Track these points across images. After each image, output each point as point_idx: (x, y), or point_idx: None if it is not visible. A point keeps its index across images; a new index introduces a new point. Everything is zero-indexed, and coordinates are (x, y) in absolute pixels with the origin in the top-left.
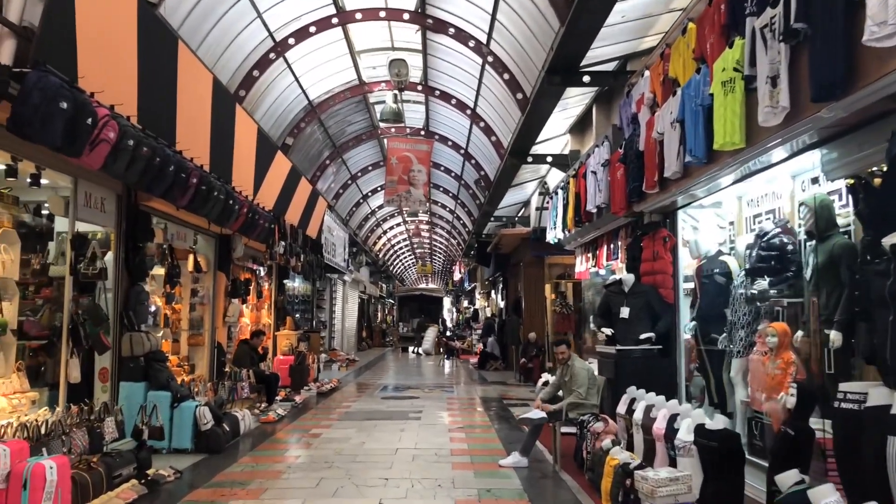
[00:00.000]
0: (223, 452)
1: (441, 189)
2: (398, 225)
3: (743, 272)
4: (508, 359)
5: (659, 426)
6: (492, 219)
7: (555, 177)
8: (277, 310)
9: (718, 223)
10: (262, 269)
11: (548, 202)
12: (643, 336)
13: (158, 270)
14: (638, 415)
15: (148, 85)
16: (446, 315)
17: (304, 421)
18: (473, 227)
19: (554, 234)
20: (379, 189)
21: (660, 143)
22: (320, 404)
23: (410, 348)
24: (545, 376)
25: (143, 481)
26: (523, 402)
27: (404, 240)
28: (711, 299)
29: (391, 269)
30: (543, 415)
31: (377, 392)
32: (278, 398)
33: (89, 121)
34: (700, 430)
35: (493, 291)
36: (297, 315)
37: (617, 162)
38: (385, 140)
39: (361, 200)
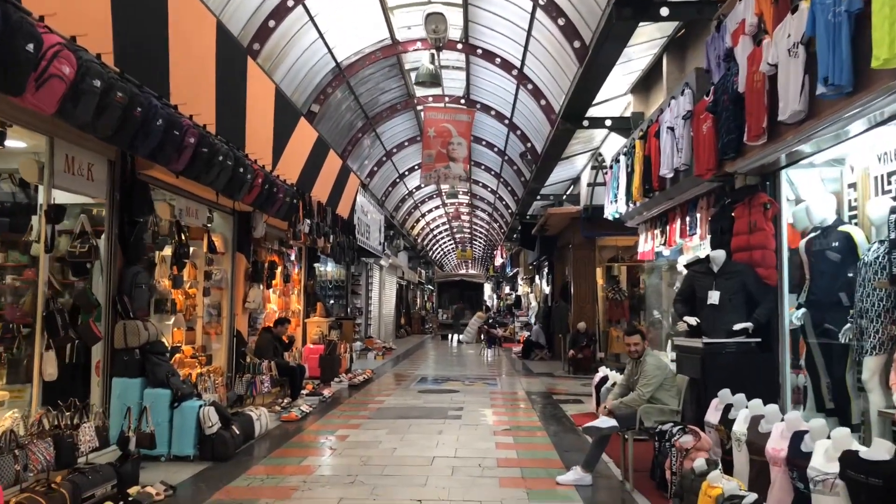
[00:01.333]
0: (231, 460)
1: (482, 167)
2: (437, 208)
3: (879, 245)
4: (554, 348)
5: (777, 446)
6: (538, 197)
7: (611, 147)
8: (307, 295)
9: (834, 186)
10: (291, 251)
11: (605, 173)
12: (738, 326)
13: (168, 251)
14: (740, 427)
15: (125, 18)
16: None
17: (330, 419)
18: (517, 207)
19: (614, 209)
20: (416, 168)
21: (770, 79)
22: (351, 398)
23: (450, 335)
24: (603, 371)
25: (121, 503)
26: (574, 398)
27: (443, 223)
28: (826, 281)
29: (430, 254)
30: (614, 423)
31: (414, 384)
32: (304, 392)
33: (30, 47)
34: (852, 459)
35: (537, 277)
36: (331, 301)
37: (703, 112)
38: (422, 111)
39: (398, 180)
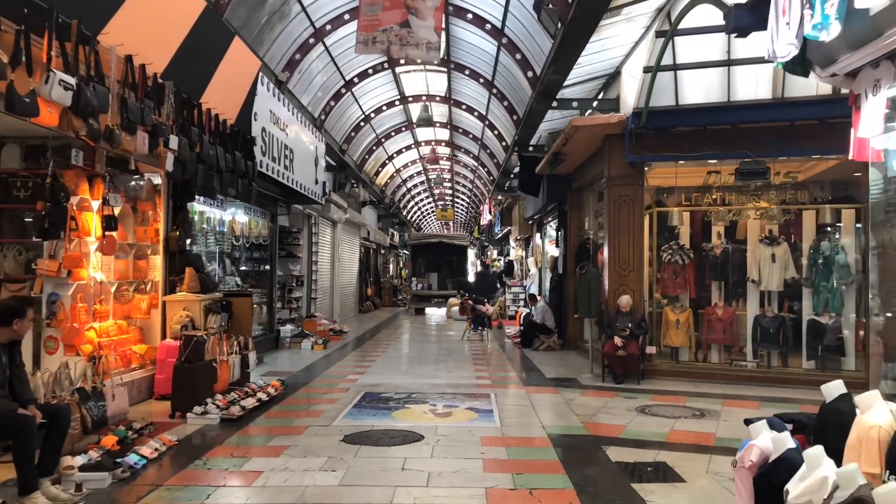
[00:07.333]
0: None
1: (467, 72)
2: (409, 148)
3: None
4: (567, 332)
5: None
6: (553, 105)
7: None
8: (171, 255)
9: None
10: (140, 179)
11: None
12: None
13: None
14: None
15: None
16: (469, 268)
17: None
18: (516, 132)
19: (816, 28)
20: (370, 72)
21: None
22: (193, 466)
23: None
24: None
25: None
26: (653, 460)
27: (418, 173)
28: None
29: (406, 214)
30: None
31: (344, 415)
32: (87, 458)
33: None
34: None
35: (538, 234)
36: (252, 267)
37: None
38: None
39: (344, 90)
